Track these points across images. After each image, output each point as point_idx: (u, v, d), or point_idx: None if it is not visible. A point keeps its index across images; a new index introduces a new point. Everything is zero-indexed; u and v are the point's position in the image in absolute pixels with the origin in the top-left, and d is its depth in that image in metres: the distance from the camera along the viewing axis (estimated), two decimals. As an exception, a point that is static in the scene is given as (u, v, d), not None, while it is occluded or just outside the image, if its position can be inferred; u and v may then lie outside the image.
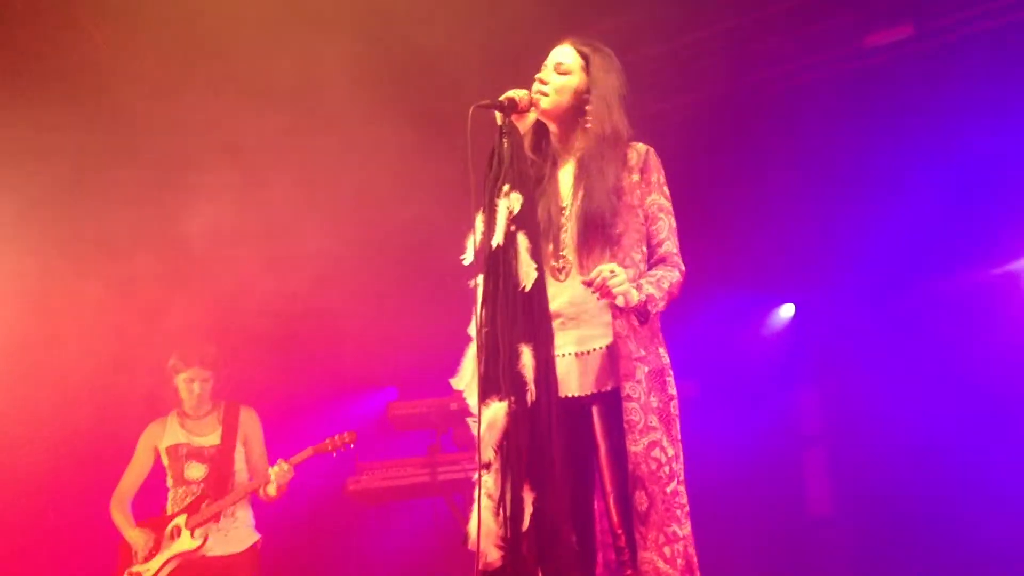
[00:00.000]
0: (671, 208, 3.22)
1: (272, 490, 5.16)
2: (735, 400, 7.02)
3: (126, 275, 5.85)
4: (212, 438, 5.38)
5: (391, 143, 5.62)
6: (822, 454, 7.32)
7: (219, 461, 5.31)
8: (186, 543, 5.10)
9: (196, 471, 5.29)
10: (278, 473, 5.12)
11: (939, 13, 5.62)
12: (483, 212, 2.99)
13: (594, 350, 3.08)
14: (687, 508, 2.99)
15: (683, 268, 3.16)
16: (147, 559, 5.11)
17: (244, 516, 5.31)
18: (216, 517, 5.17)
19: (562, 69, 3.22)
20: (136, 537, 5.16)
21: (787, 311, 7.56)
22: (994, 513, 6.13)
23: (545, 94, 3.19)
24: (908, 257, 6.58)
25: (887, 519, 6.60)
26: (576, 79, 3.22)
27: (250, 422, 5.51)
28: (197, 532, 5.11)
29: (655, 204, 3.18)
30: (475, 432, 2.79)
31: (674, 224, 3.20)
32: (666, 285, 3.05)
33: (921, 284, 6.72)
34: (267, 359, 6.34)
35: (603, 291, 2.86)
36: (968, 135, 6.03)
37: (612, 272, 2.88)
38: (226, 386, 5.58)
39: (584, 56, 3.24)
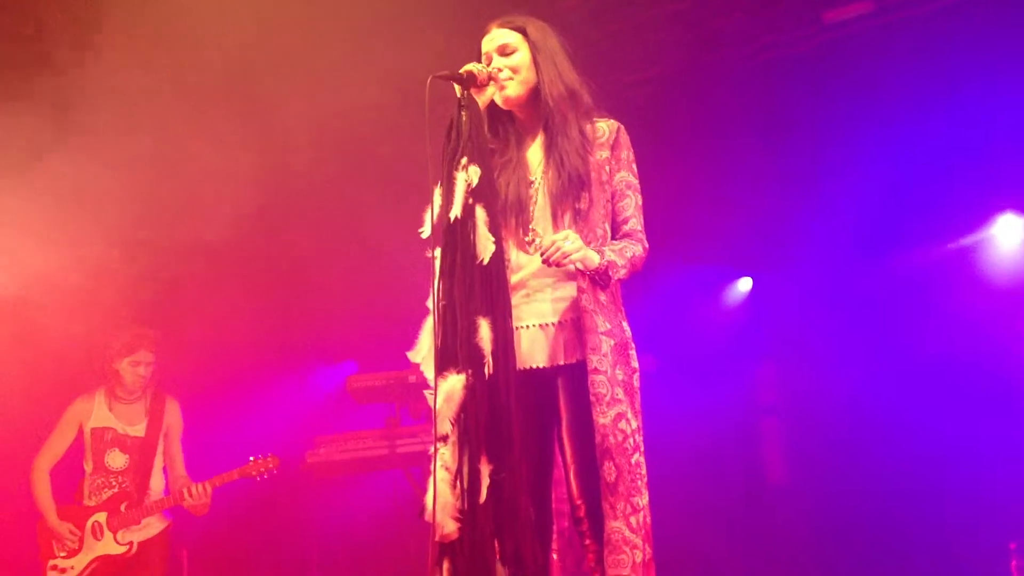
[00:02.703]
0: (639, 186, 3.23)
1: (189, 507, 5.30)
2: (692, 372, 7.08)
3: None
4: (138, 428, 5.41)
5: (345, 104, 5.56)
6: (778, 424, 7.41)
7: (141, 454, 5.36)
8: (111, 547, 5.21)
9: (117, 460, 5.34)
10: (195, 494, 5.25)
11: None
12: (441, 185, 2.98)
13: (560, 322, 3.10)
14: (646, 478, 3.04)
15: (647, 245, 3.18)
16: (70, 555, 5.17)
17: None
18: (137, 520, 5.27)
19: (508, 50, 3.18)
20: (61, 528, 5.19)
21: (745, 285, 7.62)
22: (946, 480, 6.25)
23: (510, 79, 3.15)
24: (864, 232, 6.65)
25: (841, 487, 6.71)
26: (524, 53, 3.19)
27: (174, 414, 5.56)
28: (120, 535, 5.22)
29: (623, 181, 3.20)
30: (432, 405, 2.80)
31: (640, 202, 3.22)
32: (628, 254, 3.08)
33: (876, 259, 6.80)
34: (225, 333, 6.29)
35: (559, 258, 2.87)
36: (926, 112, 6.09)
37: (566, 238, 2.89)
38: (160, 372, 5.58)
39: (519, 30, 3.21)
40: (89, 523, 5.20)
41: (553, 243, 2.89)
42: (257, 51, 5.31)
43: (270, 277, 6.36)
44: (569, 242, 2.89)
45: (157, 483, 5.43)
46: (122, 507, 5.23)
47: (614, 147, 3.21)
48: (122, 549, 5.19)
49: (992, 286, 6.58)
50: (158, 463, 5.43)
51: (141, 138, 5.47)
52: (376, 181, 6.10)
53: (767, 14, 5.86)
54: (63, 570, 5.14)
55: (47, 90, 5.23)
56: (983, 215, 6.68)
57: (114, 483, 5.28)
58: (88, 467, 5.33)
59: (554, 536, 3.14)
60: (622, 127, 3.26)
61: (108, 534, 5.19)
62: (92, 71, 5.18)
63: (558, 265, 2.91)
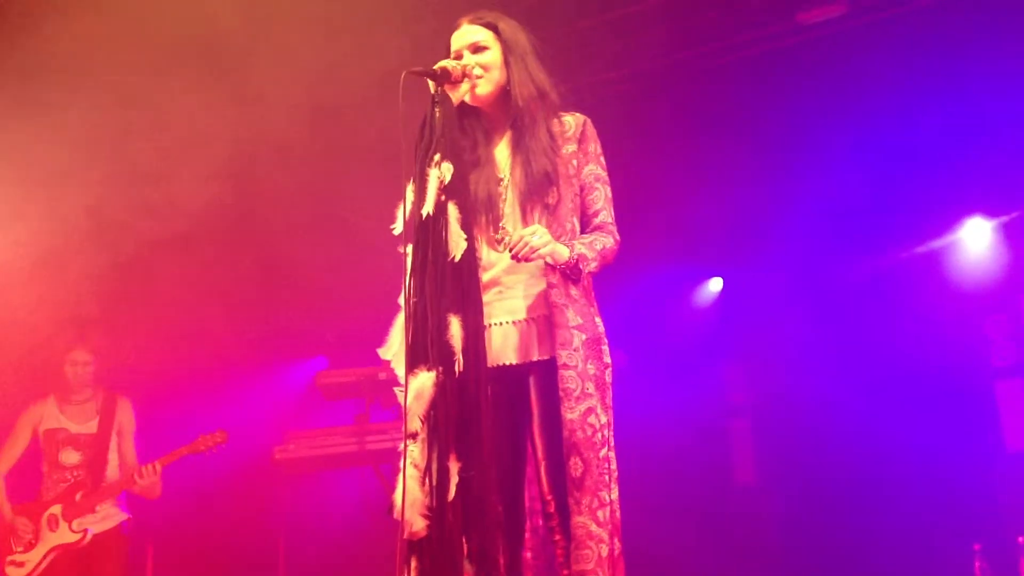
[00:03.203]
0: (607, 178, 3.22)
1: (141, 489, 5.29)
2: (664, 370, 7.11)
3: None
4: (90, 426, 5.44)
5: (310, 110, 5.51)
6: (747, 424, 7.46)
7: (94, 450, 5.39)
8: (67, 536, 5.22)
9: (71, 457, 5.37)
10: (145, 474, 5.24)
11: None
12: (413, 181, 2.96)
13: (532, 319, 3.08)
14: (616, 474, 3.03)
15: (618, 238, 3.17)
16: (27, 549, 5.19)
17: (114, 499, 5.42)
18: (92, 508, 5.28)
19: (480, 46, 3.15)
20: (16, 523, 5.22)
21: (716, 285, 7.66)
22: (912, 481, 6.32)
23: (480, 76, 3.12)
24: (834, 234, 6.70)
25: (809, 488, 6.77)
26: (496, 51, 3.16)
27: (125, 413, 5.57)
28: (75, 523, 5.23)
29: (592, 174, 3.18)
30: (402, 402, 2.78)
31: (610, 194, 3.21)
32: (599, 247, 3.07)
33: (846, 261, 6.85)
34: (193, 327, 6.24)
35: (527, 253, 2.87)
36: (897, 115, 6.13)
37: (533, 233, 2.89)
38: (108, 373, 5.61)
39: (491, 27, 3.19)
40: (45, 516, 5.24)
41: (521, 238, 2.88)
42: (226, 41, 5.23)
43: (240, 271, 6.31)
44: (537, 237, 2.88)
45: (113, 476, 5.44)
46: (77, 496, 5.27)
47: (581, 140, 3.19)
48: (76, 537, 5.20)
49: (960, 289, 6.65)
50: (113, 458, 5.45)
51: (103, 114, 5.35)
52: (348, 175, 6.06)
53: (741, 13, 5.88)
54: (20, 564, 5.17)
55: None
56: (952, 219, 6.75)
57: (69, 477, 5.32)
58: (45, 468, 5.39)
59: (528, 535, 3.13)
60: (588, 120, 3.24)
61: (63, 524, 5.22)
62: (49, 42, 5.07)
63: (527, 260, 2.90)
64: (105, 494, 5.31)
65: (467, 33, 3.19)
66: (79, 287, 5.54)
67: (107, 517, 5.33)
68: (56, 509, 5.23)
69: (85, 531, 5.22)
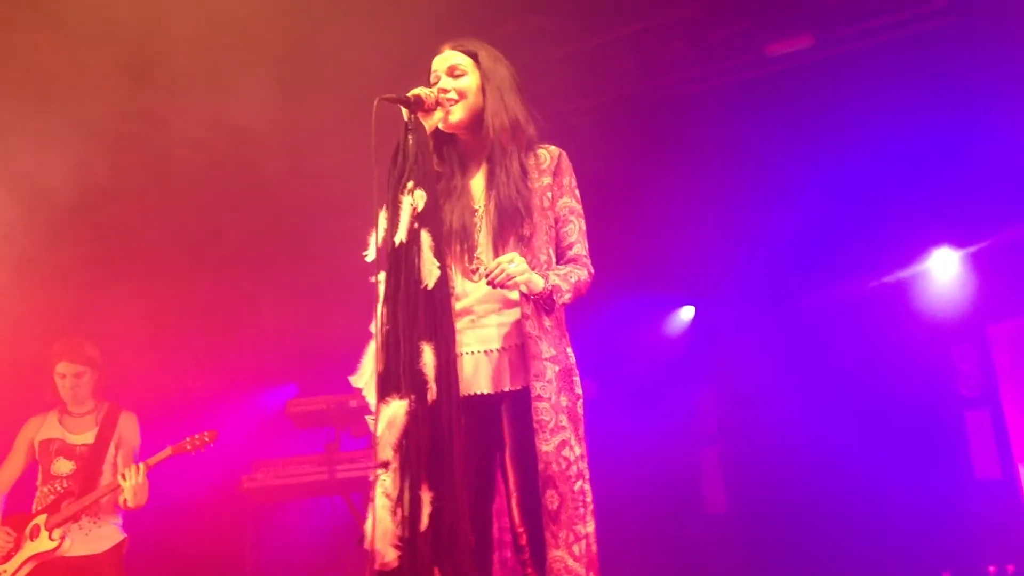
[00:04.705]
0: (582, 211, 3.23)
1: (128, 497, 5.01)
2: (635, 400, 7.11)
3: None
4: (87, 436, 5.28)
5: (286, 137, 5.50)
6: (718, 453, 7.46)
7: (88, 460, 5.21)
8: (43, 543, 5.04)
9: (63, 467, 5.19)
10: (129, 476, 4.99)
11: (838, 24, 5.75)
12: (386, 208, 2.95)
13: (504, 348, 3.07)
14: (591, 506, 3.02)
15: (592, 270, 3.18)
16: (5, 559, 5.03)
17: (109, 516, 5.22)
18: (76, 517, 5.08)
19: (457, 72, 3.17)
20: (0, 534, 5.06)
21: (687, 313, 7.68)
22: (882, 509, 6.34)
23: (454, 101, 3.13)
24: (804, 263, 6.75)
25: (779, 514, 6.77)
26: (473, 78, 3.18)
27: (128, 426, 5.40)
28: (55, 532, 5.04)
29: (566, 207, 3.19)
30: (373, 430, 2.76)
31: (584, 227, 3.21)
32: (573, 279, 3.07)
33: (816, 290, 6.90)
34: (164, 354, 6.19)
35: (503, 280, 2.86)
36: (864, 146, 6.20)
37: (511, 261, 2.88)
38: (108, 386, 5.44)
39: (471, 54, 3.21)
40: (29, 526, 5.07)
41: (498, 265, 2.87)
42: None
43: (210, 297, 6.27)
44: (514, 264, 2.88)
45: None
46: (63, 506, 5.09)
47: (556, 173, 3.20)
48: (52, 544, 5.00)
49: (928, 319, 6.70)
50: (107, 469, 5.24)
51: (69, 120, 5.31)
52: (319, 201, 6.05)
53: (710, 44, 5.94)
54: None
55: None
56: (919, 248, 6.81)
57: (59, 487, 5.14)
58: (39, 480, 5.20)
59: (497, 567, 3.10)
60: (564, 153, 3.26)
61: (44, 532, 5.04)
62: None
63: (502, 287, 2.89)
64: (90, 499, 5.07)
65: (448, 57, 3.21)
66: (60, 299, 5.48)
67: (102, 539, 5.14)
68: (40, 519, 5.05)
69: (62, 538, 5.00)
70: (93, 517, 5.15)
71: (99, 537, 5.15)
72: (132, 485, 5.00)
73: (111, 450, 5.30)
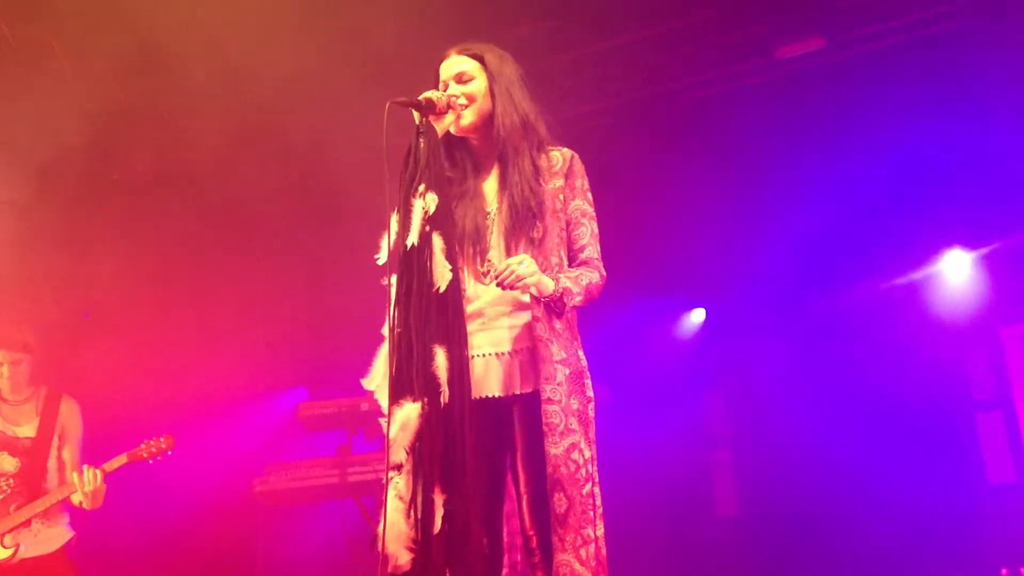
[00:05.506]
0: (594, 214, 3.21)
1: (85, 502, 4.85)
2: (646, 403, 7.10)
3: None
4: (27, 429, 5.10)
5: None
6: (729, 456, 7.45)
7: (32, 456, 5.04)
8: None
9: (8, 464, 5.02)
10: (85, 480, 4.80)
11: (849, 27, 5.74)
12: (398, 211, 2.95)
13: (515, 351, 3.06)
14: (600, 509, 3.00)
15: (604, 273, 3.16)
16: None
17: (58, 516, 5.06)
18: (27, 523, 4.93)
19: (465, 77, 3.16)
20: None
21: (698, 316, 7.67)
22: (894, 512, 6.32)
23: (465, 106, 3.13)
24: (815, 266, 6.73)
25: (790, 518, 6.75)
26: (481, 81, 3.18)
27: (70, 415, 5.20)
28: (7, 539, 4.89)
29: (578, 210, 3.18)
30: (385, 432, 2.76)
31: (596, 230, 3.20)
32: (584, 282, 3.06)
33: (828, 293, 6.88)
34: (174, 358, 6.20)
35: (513, 281, 2.86)
36: (876, 148, 6.19)
37: (520, 263, 2.87)
38: (45, 372, 5.24)
39: (477, 57, 3.21)
40: None
41: (508, 266, 2.86)
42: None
43: (220, 301, 6.28)
44: (524, 266, 2.87)
45: (52, 485, 5.08)
46: (11, 509, 4.92)
47: (568, 175, 3.20)
48: (7, 553, 4.84)
49: (940, 321, 6.68)
50: (52, 465, 5.09)
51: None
52: (330, 205, 6.06)
53: (722, 48, 5.93)
54: None
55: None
56: (931, 250, 6.79)
57: (5, 487, 4.97)
58: None
59: (507, 570, 3.10)
60: (576, 156, 3.25)
61: None
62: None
63: (512, 288, 2.89)
64: (41, 506, 4.91)
65: (454, 63, 3.20)
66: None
67: (50, 540, 4.97)
68: None
69: (17, 546, 4.85)
70: (44, 519, 4.99)
71: (48, 538, 5.00)
72: (90, 492, 4.83)
73: (55, 442, 5.12)
